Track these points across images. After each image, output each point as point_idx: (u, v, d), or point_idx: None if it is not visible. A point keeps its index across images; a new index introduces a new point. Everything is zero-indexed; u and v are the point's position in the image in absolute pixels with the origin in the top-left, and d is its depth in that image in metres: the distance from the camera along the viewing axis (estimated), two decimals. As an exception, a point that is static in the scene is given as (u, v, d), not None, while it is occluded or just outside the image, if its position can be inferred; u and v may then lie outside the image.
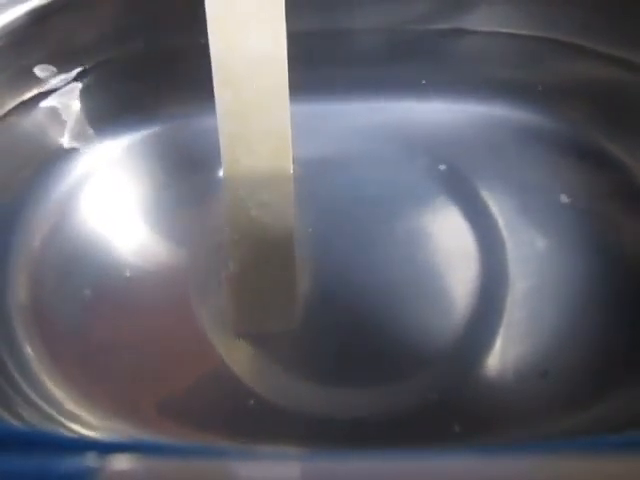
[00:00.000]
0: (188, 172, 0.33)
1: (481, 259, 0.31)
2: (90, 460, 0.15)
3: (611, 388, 0.28)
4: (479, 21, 0.33)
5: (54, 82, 0.30)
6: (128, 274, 0.30)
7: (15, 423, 0.24)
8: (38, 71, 0.30)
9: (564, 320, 0.29)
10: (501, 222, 0.32)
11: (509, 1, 0.32)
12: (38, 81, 0.30)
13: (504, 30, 0.33)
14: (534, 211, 0.32)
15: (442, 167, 0.33)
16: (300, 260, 0.31)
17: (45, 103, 0.31)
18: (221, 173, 0.30)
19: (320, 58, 0.33)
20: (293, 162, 0.31)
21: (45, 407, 0.27)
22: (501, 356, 0.29)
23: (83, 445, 0.16)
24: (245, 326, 0.30)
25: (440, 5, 0.32)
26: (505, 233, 0.32)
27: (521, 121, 0.34)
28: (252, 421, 0.27)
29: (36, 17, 0.28)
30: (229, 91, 0.26)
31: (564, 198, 0.32)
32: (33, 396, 0.27)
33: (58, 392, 0.28)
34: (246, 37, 0.26)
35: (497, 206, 0.32)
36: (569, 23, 0.32)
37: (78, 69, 0.31)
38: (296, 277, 0.30)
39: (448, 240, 0.32)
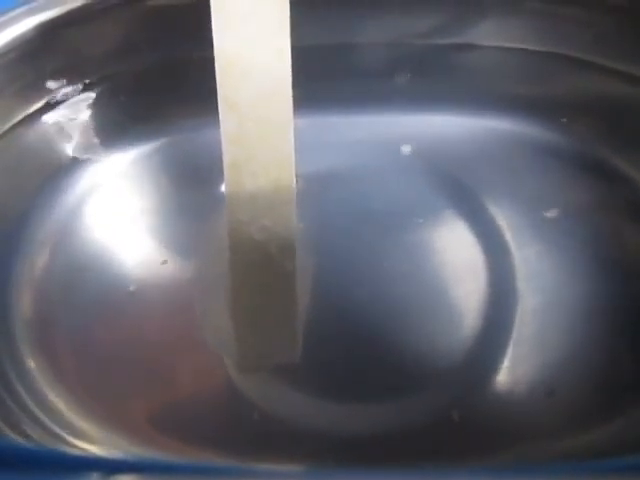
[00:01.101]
0: (194, 185, 0.33)
1: (489, 274, 0.31)
2: (94, 481, 0.15)
3: (618, 409, 0.27)
4: (487, 36, 0.33)
5: (62, 94, 0.31)
6: (132, 288, 0.30)
7: (18, 439, 0.24)
8: (48, 82, 0.30)
9: (573, 337, 0.29)
10: (509, 237, 0.32)
11: (517, 16, 0.32)
12: (46, 93, 0.30)
13: (512, 45, 0.33)
14: (542, 226, 0.32)
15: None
16: (304, 280, 0.31)
17: (52, 115, 0.31)
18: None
19: (328, 71, 0.33)
20: (298, 176, 0.31)
21: (48, 422, 0.27)
22: (508, 373, 0.28)
23: (87, 464, 0.16)
24: (248, 362, 0.29)
25: (448, 20, 0.32)
26: (513, 248, 0.31)
27: (529, 136, 0.34)
28: (256, 435, 0.27)
29: (45, 30, 0.28)
30: (234, 118, 0.27)
31: (572, 213, 0.32)
32: (36, 411, 0.27)
33: (61, 406, 0.27)
34: (252, 66, 0.26)
35: (505, 221, 0.32)
36: (577, 39, 0.32)
37: (86, 82, 0.31)
38: (298, 305, 0.30)
39: (455, 255, 0.31)
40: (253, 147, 0.27)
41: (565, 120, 0.33)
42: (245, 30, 0.25)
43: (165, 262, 0.31)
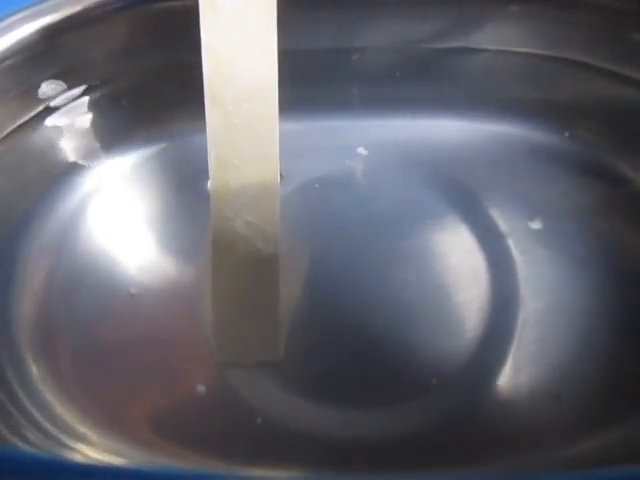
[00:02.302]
0: (195, 188, 0.33)
1: (491, 279, 0.31)
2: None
3: (624, 414, 0.27)
4: (489, 40, 0.32)
5: (63, 98, 0.30)
6: (133, 291, 0.30)
7: (20, 444, 0.24)
8: (48, 87, 0.30)
9: (576, 341, 0.29)
10: (511, 241, 0.31)
11: (519, 20, 0.32)
12: (48, 97, 0.30)
13: (514, 49, 0.33)
14: (545, 230, 0.32)
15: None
16: (298, 280, 0.30)
17: (53, 119, 0.31)
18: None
19: (330, 75, 0.33)
20: (299, 179, 0.31)
21: (49, 427, 0.26)
22: (513, 378, 0.28)
23: (89, 472, 0.16)
24: (228, 356, 0.29)
25: (450, 24, 0.32)
26: (516, 252, 0.31)
27: (531, 139, 0.34)
28: (259, 440, 0.27)
29: (46, 35, 0.28)
30: (220, 114, 0.27)
31: (576, 216, 0.32)
32: (38, 416, 0.26)
33: (62, 411, 0.27)
34: (238, 64, 0.26)
35: (507, 225, 0.32)
36: (579, 42, 0.32)
37: (87, 86, 0.31)
38: (286, 304, 0.30)
39: (457, 260, 0.31)
40: (238, 143, 0.28)
41: (567, 134, 0.33)
42: (232, 29, 0.26)
43: (164, 265, 0.31)
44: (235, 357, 0.29)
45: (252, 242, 0.28)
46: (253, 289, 0.29)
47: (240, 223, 0.28)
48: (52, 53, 0.29)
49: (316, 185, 0.33)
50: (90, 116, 0.32)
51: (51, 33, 0.28)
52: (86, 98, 0.31)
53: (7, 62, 0.28)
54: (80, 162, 0.32)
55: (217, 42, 0.26)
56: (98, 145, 0.32)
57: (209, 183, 0.28)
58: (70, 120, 0.31)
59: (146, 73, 0.32)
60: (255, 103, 0.27)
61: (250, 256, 0.29)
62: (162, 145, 0.33)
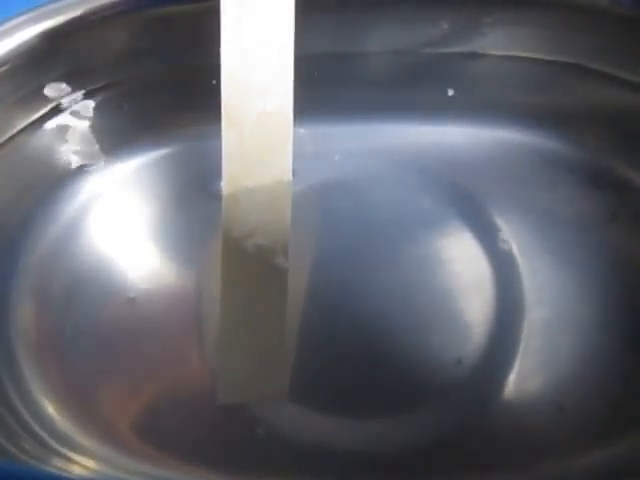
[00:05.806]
0: (196, 194, 0.33)
1: (496, 287, 0.30)
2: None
3: (630, 425, 0.27)
4: (494, 45, 0.32)
5: (65, 102, 0.30)
6: (132, 295, 0.30)
7: (18, 455, 0.23)
8: (49, 91, 0.30)
9: (581, 351, 0.29)
10: (516, 249, 0.31)
11: (525, 25, 0.32)
12: (49, 101, 0.30)
13: (520, 54, 0.33)
14: (550, 237, 0.32)
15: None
16: (304, 286, 0.30)
17: (55, 123, 0.31)
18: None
19: (335, 80, 0.33)
20: (304, 184, 0.31)
21: (46, 437, 0.26)
22: (516, 388, 0.28)
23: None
24: (234, 394, 0.28)
25: (455, 28, 0.32)
26: (520, 260, 0.31)
27: (536, 146, 0.34)
28: (260, 452, 0.27)
29: (47, 38, 0.28)
30: (235, 136, 0.28)
31: (581, 224, 0.32)
32: (35, 426, 0.26)
33: (60, 421, 0.27)
34: (255, 88, 0.27)
35: (512, 232, 0.32)
36: (585, 47, 0.32)
37: (88, 90, 0.31)
38: (296, 316, 0.30)
39: (462, 267, 0.31)
40: (251, 165, 0.28)
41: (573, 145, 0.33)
42: (252, 54, 0.26)
43: (165, 271, 0.31)
44: (238, 394, 0.29)
45: (261, 262, 0.29)
46: (260, 307, 0.29)
47: (250, 244, 0.28)
48: (54, 57, 0.29)
49: (319, 191, 0.33)
50: (91, 121, 0.31)
51: (53, 37, 0.28)
52: (87, 102, 0.31)
53: (8, 65, 0.28)
54: (81, 167, 0.32)
55: (236, 66, 0.26)
56: (99, 149, 0.32)
57: (222, 202, 0.29)
58: (71, 124, 0.31)
59: (148, 77, 0.31)
60: (270, 127, 0.27)
61: (259, 275, 0.29)
62: (164, 150, 0.33)
